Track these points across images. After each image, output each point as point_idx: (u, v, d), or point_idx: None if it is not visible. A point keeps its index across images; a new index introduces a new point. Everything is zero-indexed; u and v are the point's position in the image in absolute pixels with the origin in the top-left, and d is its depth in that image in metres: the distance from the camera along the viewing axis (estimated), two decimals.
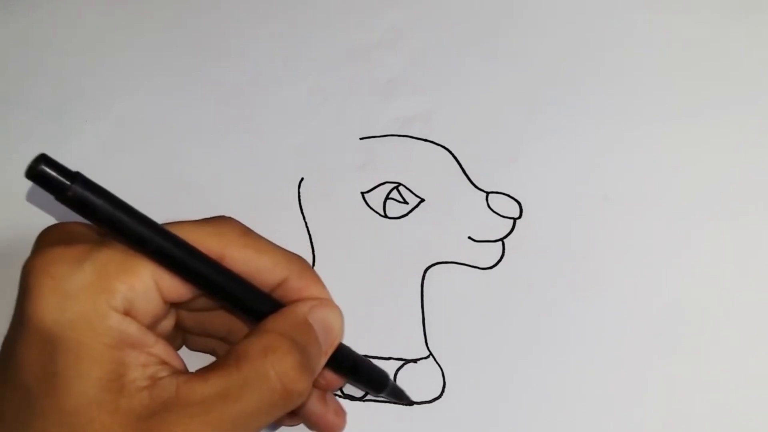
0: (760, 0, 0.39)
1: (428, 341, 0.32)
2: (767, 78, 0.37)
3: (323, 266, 0.33)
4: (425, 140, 0.36)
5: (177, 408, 0.23)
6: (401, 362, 0.31)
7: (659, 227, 0.34)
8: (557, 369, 0.31)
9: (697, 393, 0.30)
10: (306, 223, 0.34)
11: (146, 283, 0.24)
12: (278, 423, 0.31)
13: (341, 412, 0.30)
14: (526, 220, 0.34)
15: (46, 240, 0.25)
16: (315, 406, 0.29)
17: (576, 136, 0.36)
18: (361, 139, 0.36)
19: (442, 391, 0.31)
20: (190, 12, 0.40)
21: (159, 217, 0.24)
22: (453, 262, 0.33)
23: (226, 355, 0.25)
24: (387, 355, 0.32)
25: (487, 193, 0.35)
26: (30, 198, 0.34)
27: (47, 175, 0.21)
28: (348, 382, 0.30)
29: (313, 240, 0.34)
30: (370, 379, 0.30)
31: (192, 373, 0.25)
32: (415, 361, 0.31)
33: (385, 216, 0.34)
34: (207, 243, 0.25)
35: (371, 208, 0.34)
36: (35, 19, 0.40)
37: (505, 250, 0.33)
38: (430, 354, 0.32)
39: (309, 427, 0.30)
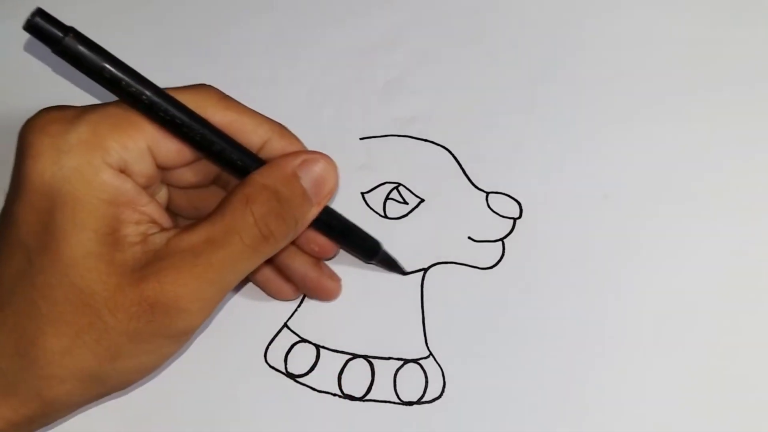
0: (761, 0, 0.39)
1: (428, 341, 0.32)
2: None
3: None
4: (425, 140, 0.36)
5: (166, 257, 0.25)
6: (401, 362, 0.31)
7: (659, 227, 0.34)
8: (557, 369, 0.31)
9: (697, 392, 0.30)
10: None
11: (139, 144, 0.25)
12: (276, 297, 0.32)
13: (336, 278, 0.33)
14: (526, 220, 0.34)
15: (44, 109, 0.26)
16: (310, 271, 0.31)
17: (576, 136, 0.36)
18: (361, 139, 0.36)
19: (442, 391, 0.31)
20: (190, 11, 0.40)
21: None
22: (453, 262, 0.33)
23: (214, 209, 0.26)
24: (387, 355, 0.32)
25: (487, 193, 0.35)
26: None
27: (42, 28, 0.23)
28: (341, 248, 0.32)
29: None
30: (362, 245, 0.32)
31: (181, 227, 0.26)
32: (415, 361, 0.31)
33: (385, 216, 0.34)
34: (189, 106, 0.26)
35: (371, 208, 0.34)
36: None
37: (505, 250, 0.33)
38: (430, 354, 0.32)
39: (308, 294, 0.33)
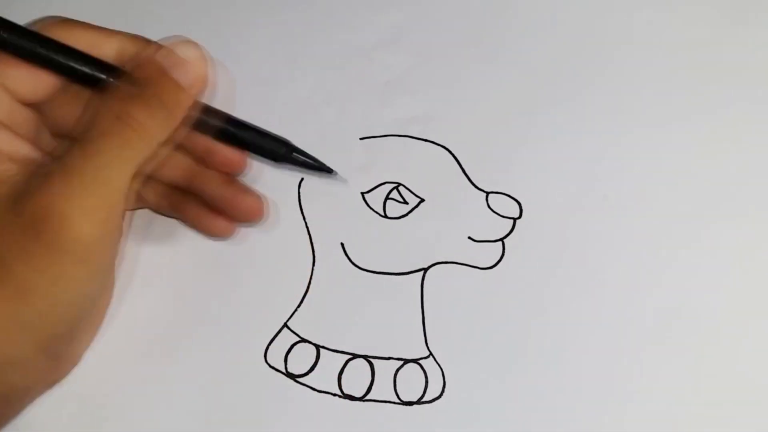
0: (761, 0, 0.39)
1: (428, 341, 0.32)
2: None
3: (323, 266, 0.33)
4: (425, 140, 0.36)
5: (35, 175, 0.25)
6: (401, 362, 0.31)
7: (659, 227, 0.34)
8: (557, 369, 0.31)
9: (697, 393, 0.30)
10: (306, 223, 0.34)
11: None
12: (211, 235, 0.32)
13: (254, 193, 0.31)
14: (526, 220, 0.34)
15: None
16: (226, 191, 0.30)
17: (576, 137, 0.36)
18: (361, 139, 0.36)
19: (442, 391, 0.31)
20: (189, 12, 0.40)
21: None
22: (453, 262, 0.33)
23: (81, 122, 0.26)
24: (387, 355, 0.32)
25: (487, 193, 0.35)
26: None
27: None
28: (251, 154, 0.31)
29: (313, 240, 0.34)
30: (269, 147, 0.31)
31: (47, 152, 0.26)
32: (415, 361, 0.31)
33: (385, 216, 0.34)
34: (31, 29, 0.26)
35: (371, 208, 0.34)
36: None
37: (505, 250, 0.33)
38: (430, 354, 0.32)
39: (234, 217, 0.31)
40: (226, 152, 0.30)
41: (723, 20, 0.39)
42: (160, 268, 0.33)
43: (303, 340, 0.32)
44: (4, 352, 0.25)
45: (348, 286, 0.33)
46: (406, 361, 0.32)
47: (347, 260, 0.33)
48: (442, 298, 0.33)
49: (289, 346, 0.32)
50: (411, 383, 0.31)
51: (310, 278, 0.33)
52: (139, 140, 0.25)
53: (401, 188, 0.35)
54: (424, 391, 0.31)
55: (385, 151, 0.36)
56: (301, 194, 0.35)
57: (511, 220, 0.34)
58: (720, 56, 0.38)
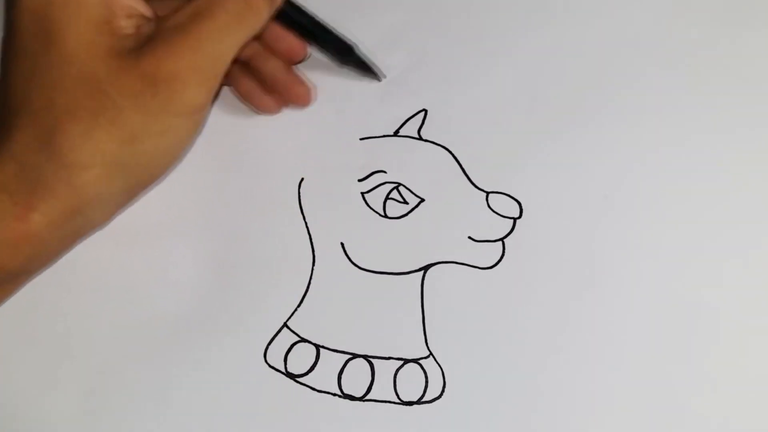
0: (762, 0, 0.39)
1: (428, 341, 0.32)
2: None
3: (323, 266, 0.33)
4: (425, 140, 0.36)
5: (158, 36, 0.27)
6: (401, 362, 0.31)
7: (659, 227, 0.34)
8: (557, 369, 0.31)
9: (698, 393, 0.30)
10: (306, 223, 0.34)
11: None
12: (259, 110, 0.35)
13: (307, 84, 0.35)
14: (526, 220, 0.34)
15: None
16: (281, 74, 0.34)
17: (576, 136, 0.36)
18: (361, 139, 0.36)
19: (442, 391, 0.31)
20: None
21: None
22: (453, 262, 0.33)
23: None
24: (387, 355, 0.32)
25: (487, 193, 0.35)
26: None
27: None
28: (316, 47, 0.34)
29: (313, 240, 0.34)
30: (334, 45, 0.34)
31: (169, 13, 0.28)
32: (415, 361, 0.31)
33: (385, 216, 0.34)
34: None
35: (371, 208, 0.34)
36: None
37: (505, 250, 0.33)
38: (430, 354, 0.32)
39: (283, 100, 0.35)
40: (291, 40, 0.33)
41: (725, 21, 0.39)
42: (161, 268, 0.33)
43: (303, 340, 0.32)
44: (100, 190, 0.28)
45: (348, 286, 0.33)
46: (406, 361, 0.32)
47: (347, 260, 0.33)
48: (442, 298, 0.33)
49: (288, 346, 0.32)
50: (411, 383, 0.31)
51: (310, 278, 0.33)
52: (253, 19, 0.29)
53: (401, 188, 0.35)
54: (424, 391, 0.31)
55: (385, 151, 0.36)
56: (301, 194, 0.35)
57: (511, 220, 0.34)
58: (722, 55, 0.38)
